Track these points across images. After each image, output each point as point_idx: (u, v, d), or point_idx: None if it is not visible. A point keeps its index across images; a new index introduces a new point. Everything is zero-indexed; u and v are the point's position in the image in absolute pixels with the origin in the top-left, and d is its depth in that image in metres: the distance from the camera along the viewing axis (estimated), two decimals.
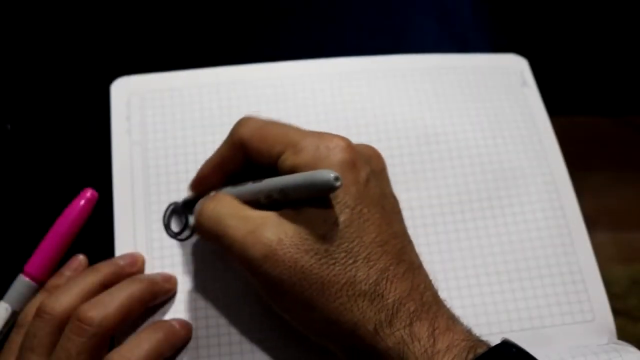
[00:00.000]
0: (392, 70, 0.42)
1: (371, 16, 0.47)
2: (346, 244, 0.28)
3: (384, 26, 0.47)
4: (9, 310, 0.34)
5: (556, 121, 0.42)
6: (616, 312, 0.36)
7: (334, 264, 0.27)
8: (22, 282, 0.34)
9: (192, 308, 0.34)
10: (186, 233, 0.36)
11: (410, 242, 0.30)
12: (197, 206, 0.33)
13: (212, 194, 0.33)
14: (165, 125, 0.39)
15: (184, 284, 0.35)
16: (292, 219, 0.28)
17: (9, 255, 0.37)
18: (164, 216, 0.37)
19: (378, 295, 0.27)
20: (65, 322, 0.30)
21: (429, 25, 0.47)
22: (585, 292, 0.36)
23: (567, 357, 0.31)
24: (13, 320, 0.34)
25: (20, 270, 0.34)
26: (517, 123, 0.41)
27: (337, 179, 0.26)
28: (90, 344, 0.29)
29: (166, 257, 0.36)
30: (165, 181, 0.38)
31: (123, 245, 0.36)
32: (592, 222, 0.39)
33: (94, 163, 0.39)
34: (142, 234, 0.36)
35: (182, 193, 0.37)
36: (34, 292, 0.34)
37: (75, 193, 0.36)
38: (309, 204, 0.28)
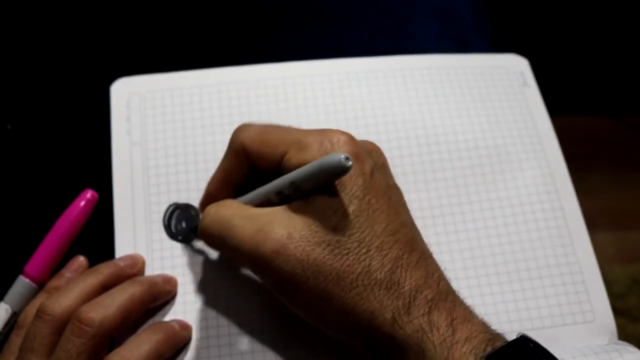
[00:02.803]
0: (392, 70, 0.42)
1: (371, 16, 0.47)
2: (358, 234, 0.27)
3: (384, 26, 0.47)
4: (9, 311, 0.34)
5: (556, 121, 0.42)
6: (616, 312, 0.36)
7: (347, 254, 0.27)
8: (22, 283, 0.34)
9: (192, 309, 0.34)
10: (185, 234, 0.36)
11: (418, 232, 0.30)
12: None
13: (217, 202, 0.32)
14: (166, 125, 0.39)
15: (184, 285, 0.35)
16: (300, 213, 0.28)
17: (9, 256, 0.37)
18: (164, 217, 0.37)
19: (394, 283, 0.27)
20: (65, 323, 0.30)
21: (429, 25, 0.47)
22: (586, 293, 0.36)
23: (568, 357, 0.31)
24: (13, 321, 0.34)
25: (20, 271, 0.34)
26: (517, 123, 0.41)
27: (347, 158, 0.26)
28: (90, 345, 0.29)
29: (166, 258, 0.36)
30: (165, 182, 0.38)
31: (123, 246, 0.36)
32: (592, 222, 0.39)
33: (94, 164, 0.39)
34: (142, 235, 0.36)
35: (182, 193, 0.37)
36: (34, 293, 0.34)
37: (75, 194, 0.36)
38: (317, 196, 0.28)
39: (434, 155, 0.39)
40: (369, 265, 0.27)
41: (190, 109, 0.40)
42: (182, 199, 0.37)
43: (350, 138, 0.29)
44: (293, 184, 0.28)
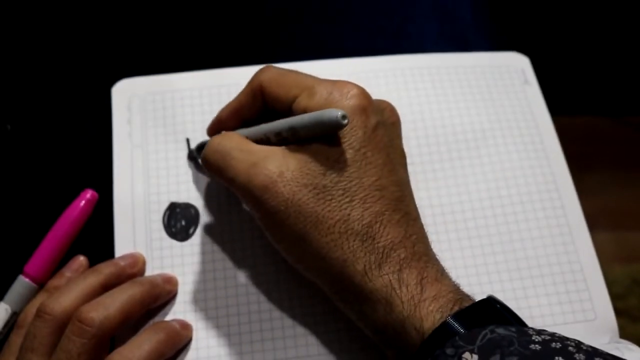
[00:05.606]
0: (392, 69, 0.42)
1: (371, 16, 0.47)
2: (345, 183, 0.28)
3: (384, 26, 0.47)
4: (9, 311, 0.34)
5: (556, 121, 0.42)
6: (616, 312, 0.36)
7: (330, 200, 0.28)
8: (22, 283, 0.34)
9: (192, 309, 0.34)
10: (185, 234, 0.36)
11: (410, 193, 0.31)
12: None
13: (222, 134, 0.33)
14: (166, 127, 0.39)
15: (184, 285, 0.35)
16: (296, 154, 0.29)
17: (9, 255, 0.37)
18: (163, 216, 0.37)
19: (370, 237, 0.28)
20: (65, 323, 0.30)
21: (429, 25, 0.47)
22: (587, 291, 0.36)
23: None
24: (13, 321, 0.34)
25: (20, 271, 0.34)
26: (518, 122, 0.41)
27: (344, 117, 0.27)
28: (90, 344, 0.29)
29: (166, 258, 0.36)
30: (165, 183, 0.38)
31: (123, 246, 0.36)
32: (592, 221, 0.39)
33: (94, 164, 0.39)
34: (142, 235, 0.36)
35: (182, 194, 0.37)
36: (33, 293, 0.34)
37: (75, 194, 0.36)
38: (315, 141, 0.29)
39: (434, 154, 0.39)
40: (349, 214, 0.28)
41: (191, 111, 0.40)
42: (182, 201, 0.37)
43: (361, 91, 0.30)
44: (292, 129, 0.29)
